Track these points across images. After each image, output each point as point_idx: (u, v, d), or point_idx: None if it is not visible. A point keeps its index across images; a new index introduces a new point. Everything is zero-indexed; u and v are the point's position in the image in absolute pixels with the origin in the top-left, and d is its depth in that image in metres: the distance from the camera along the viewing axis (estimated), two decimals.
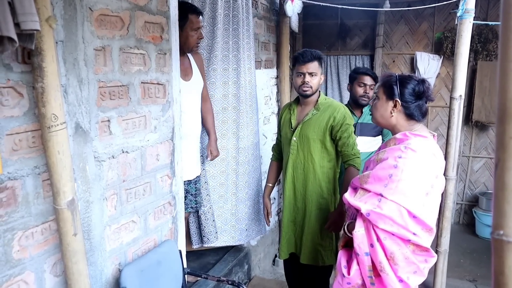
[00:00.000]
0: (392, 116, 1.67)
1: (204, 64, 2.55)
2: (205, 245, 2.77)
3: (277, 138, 2.61)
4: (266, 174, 2.75)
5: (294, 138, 2.29)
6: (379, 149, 1.78)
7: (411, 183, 1.53)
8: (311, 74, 2.19)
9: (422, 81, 1.66)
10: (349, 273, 1.66)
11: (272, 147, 2.65)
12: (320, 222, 2.32)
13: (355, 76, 2.88)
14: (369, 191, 1.59)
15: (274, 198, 3.81)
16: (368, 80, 2.82)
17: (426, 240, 1.57)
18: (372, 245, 1.57)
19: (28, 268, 1.29)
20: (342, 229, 1.77)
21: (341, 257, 1.75)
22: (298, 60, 2.22)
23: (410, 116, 1.66)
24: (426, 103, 1.67)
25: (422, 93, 1.64)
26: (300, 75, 2.21)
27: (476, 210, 4.42)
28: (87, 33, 1.40)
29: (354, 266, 1.64)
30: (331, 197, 2.33)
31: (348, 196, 1.67)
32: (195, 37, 2.27)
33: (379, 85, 1.74)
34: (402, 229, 1.52)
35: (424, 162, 1.56)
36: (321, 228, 2.32)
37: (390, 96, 1.66)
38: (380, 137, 2.89)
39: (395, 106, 1.65)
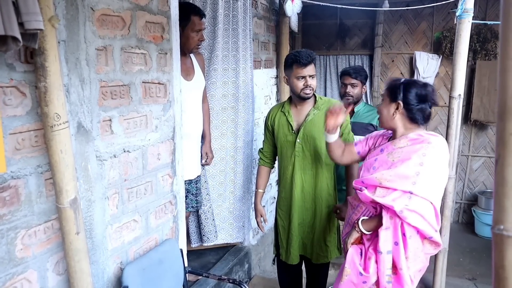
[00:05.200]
0: (394, 118, 1.72)
1: (205, 64, 2.55)
2: (205, 244, 2.78)
3: (264, 143, 2.50)
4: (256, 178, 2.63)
5: (298, 140, 2.26)
6: (382, 150, 1.79)
7: (436, 179, 1.61)
8: (311, 76, 2.18)
9: (426, 85, 1.70)
10: (367, 271, 1.68)
11: (260, 151, 2.54)
12: (328, 218, 2.35)
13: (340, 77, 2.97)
14: (393, 189, 1.62)
15: (274, 198, 3.81)
16: (346, 79, 2.85)
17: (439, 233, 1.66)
18: (396, 243, 1.61)
19: (31, 267, 1.30)
20: (355, 226, 1.78)
21: (353, 254, 1.75)
22: (297, 63, 2.15)
23: (412, 119, 1.70)
24: (430, 107, 1.71)
25: (425, 96, 1.68)
26: (301, 78, 2.16)
27: (475, 209, 4.43)
28: (89, 33, 1.41)
29: (372, 264, 1.66)
30: (334, 192, 2.38)
31: (370, 194, 1.68)
32: (196, 39, 2.26)
33: (385, 88, 1.80)
34: (429, 225, 1.59)
35: (444, 159, 1.64)
36: (329, 224, 2.35)
37: (393, 98, 1.72)
38: None
39: (397, 108, 1.70)
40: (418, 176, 1.58)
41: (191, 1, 2.46)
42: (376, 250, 1.64)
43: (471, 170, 4.64)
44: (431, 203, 1.59)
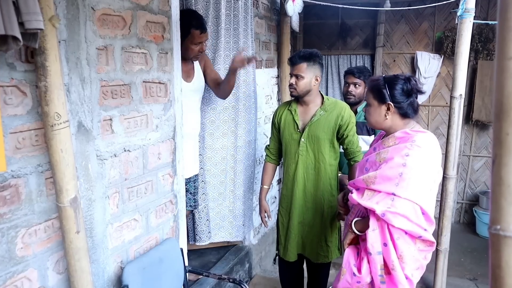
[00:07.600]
0: (387, 119, 1.70)
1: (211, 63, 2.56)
2: (197, 244, 2.79)
3: (271, 139, 2.54)
4: (261, 174, 2.67)
5: (303, 139, 2.28)
6: (375, 148, 1.79)
7: (421, 179, 1.57)
8: (296, 76, 2.21)
9: (409, 79, 1.68)
10: (360, 272, 1.67)
11: (266, 148, 2.58)
12: (330, 219, 2.35)
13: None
14: (378, 191, 1.61)
15: (275, 197, 3.82)
16: (349, 78, 2.88)
17: (431, 233, 1.62)
18: (385, 244, 1.60)
19: (32, 265, 1.31)
20: (349, 227, 1.78)
21: (349, 255, 1.76)
22: (288, 63, 2.30)
23: (404, 115, 1.69)
24: (416, 98, 1.70)
25: (411, 90, 1.66)
26: (291, 77, 2.27)
27: (477, 209, 4.43)
28: (89, 32, 1.42)
29: (365, 264, 1.66)
30: (337, 193, 2.38)
31: (357, 197, 1.68)
32: (196, 50, 2.26)
33: (368, 91, 1.77)
34: (416, 226, 1.56)
35: (429, 158, 1.60)
36: (331, 225, 2.36)
37: (381, 100, 1.69)
38: (373, 136, 2.92)
39: (388, 109, 1.68)
40: (401, 177, 1.55)
41: (197, 3, 2.46)
42: (367, 251, 1.64)
43: (473, 170, 4.63)
44: (417, 203, 1.55)
